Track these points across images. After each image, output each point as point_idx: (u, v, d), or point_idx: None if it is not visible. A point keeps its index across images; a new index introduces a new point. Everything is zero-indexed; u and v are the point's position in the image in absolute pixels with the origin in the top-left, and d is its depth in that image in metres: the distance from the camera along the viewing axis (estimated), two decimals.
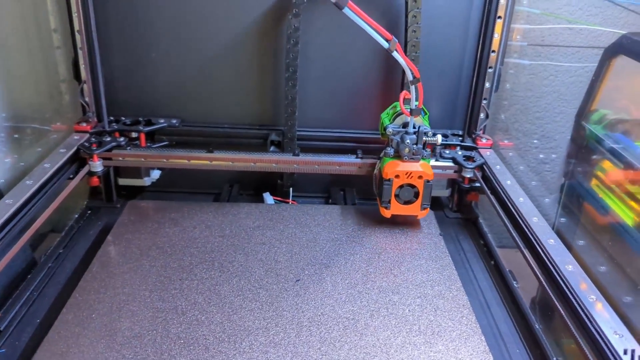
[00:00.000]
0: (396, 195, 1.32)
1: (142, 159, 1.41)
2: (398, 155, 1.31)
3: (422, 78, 1.47)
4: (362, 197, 1.63)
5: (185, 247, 1.23)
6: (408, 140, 1.28)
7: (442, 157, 1.48)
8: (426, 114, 1.41)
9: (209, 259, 1.20)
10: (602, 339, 0.84)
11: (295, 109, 1.46)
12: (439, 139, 1.33)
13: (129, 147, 1.42)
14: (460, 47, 1.49)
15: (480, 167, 1.44)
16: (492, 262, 1.36)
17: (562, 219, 1.22)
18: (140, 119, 1.52)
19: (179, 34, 1.46)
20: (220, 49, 1.47)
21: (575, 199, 1.20)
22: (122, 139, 1.44)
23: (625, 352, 0.80)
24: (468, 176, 1.45)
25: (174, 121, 1.53)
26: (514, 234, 1.19)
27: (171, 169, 1.56)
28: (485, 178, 1.41)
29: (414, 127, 1.30)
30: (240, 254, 1.22)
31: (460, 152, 1.49)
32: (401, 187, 1.31)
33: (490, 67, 1.47)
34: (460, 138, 1.55)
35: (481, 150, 1.50)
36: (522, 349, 1.09)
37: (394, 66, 1.49)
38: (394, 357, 0.95)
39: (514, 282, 1.28)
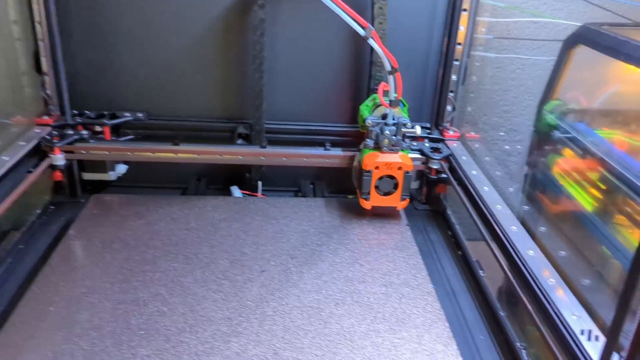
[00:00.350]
0: (376, 187, 1.32)
1: (106, 152, 1.39)
2: (377, 147, 1.32)
3: (386, 73, 1.48)
4: (332, 191, 1.63)
5: (149, 239, 1.22)
6: (387, 132, 1.29)
7: (411, 150, 1.48)
8: (405, 106, 1.42)
9: (173, 251, 1.18)
10: (560, 320, 0.85)
11: (263, 101, 1.45)
12: (418, 130, 1.35)
13: (92, 141, 1.39)
14: (426, 39, 1.50)
15: (447, 159, 1.45)
16: (460, 253, 1.37)
17: (525, 207, 1.23)
18: (105, 112, 1.50)
19: (144, 26, 1.44)
20: (187, 41, 1.46)
21: (538, 188, 1.21)
22: (85, 132, 1.41)
23: (582, 333, 0.81)
24: (435, 167, 1.46)
25: (140, 115, 1.51)
26: (478, 222, 1.20)
27: (137, 163, 1.54)
28: (452, 169, 1.42)
29: (393, 119, 1.31)
30: (206, 246, 1.21)
31: (427, 144, 1.50)
32: (381, 178, 1.32)
33: (456, 60, 1.48)
34: (427, 130, 1.55)
35: (448, 142, 1.51)
36: (486, 335, 1.09)
37: (363, 58, 1.50)
38: (358, 344, 0.95)
39: (481, 271, 1.29)
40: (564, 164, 1.11)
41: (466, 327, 1.11)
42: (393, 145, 1.30)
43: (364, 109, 1.42)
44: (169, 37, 1.45)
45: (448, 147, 1.47)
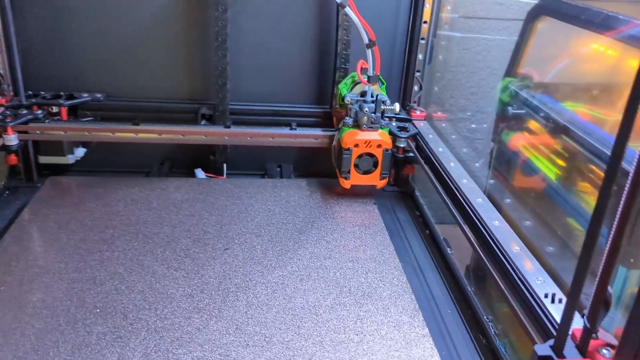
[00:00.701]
0: (355, 166, 1.31)
1: (62, 133, 1.33)
2: (357, 125, 1.30)
3: (355, 51, 1.46)
4: (299, 174, 1.60)
5: (107, 220, 1.17)
6: (366, 109, 1.28)
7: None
8: (384, 84, 1.41)
9: (133, 231, 1.14)
10: (524, 285, 0.84)
11: (227, 80, 1.42)
12: (397, 107, 1.34)
13: (47, 121, 1.34)
14: (392, 18, 1.49)
15: (414, 137, 1.43)
16: (427, 232, 1.36)
17: (492, 181, 1.23)
18: (62, 93, 1.44)
19: (101, 2, 1.39)
20: (147, 17, 1.41)
21: (503, 161, 1.21)
22: (40, 112, 1.36)
23: (546, 296, 0.81)
24: (402, 146, 1.44)
25: (99, 95, 1.45)
26: (445, 196, 1.19)
27: (97, 147, 1.49)
28: (419, 148, 1.41)
29: (372, 96, 1.29)
30: (167, 225, 1.17)
31: (394, 124, 1.49)
32: (360, 156, 1.30)
33: (422, 39, 1.47)
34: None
35: (415, 122, 1.50)
36: (453, 309, 1.08)
37: (329, 36, 1.47)
38: (323, 318, 0.93)
39: (448, 249, 1.28)
40: (529, 136, 1.11)
41: (433, 302, 1.09)
42: (372, 123, 1.29)
43: (343, 86, 1.40)
44: (128, 13, 1.40)
45: (415, 127, 1.46)
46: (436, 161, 1.29)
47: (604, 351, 0.62)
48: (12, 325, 0.86)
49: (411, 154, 1.44)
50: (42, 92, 1.43)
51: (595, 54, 1.01)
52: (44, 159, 1.45)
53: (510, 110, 1.17)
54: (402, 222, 1.38)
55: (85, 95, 1.44)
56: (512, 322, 1.08)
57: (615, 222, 0.55)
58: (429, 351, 0.88)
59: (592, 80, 1.02)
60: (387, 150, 1.30)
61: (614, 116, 0.95)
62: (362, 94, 1.31)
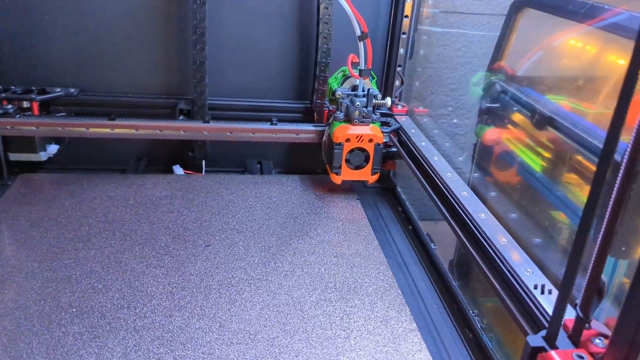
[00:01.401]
0: (347, 161, 1.29)
1: (34, 128, 1.28)
2: (348, 120, 1.29)
3: (335, 46, 1.45)
4: (280, 170, 1.58)
5: (82, 217, 1.13)
6: (358, 103, 1.26)
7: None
8: (374, 78, 1.40)
9: (109, 228, 1.10)
10: (513, 276, 0.83)
11: (205, 74, 1.38)
12: (389, 101, 1.34)
13: (18, 116, 1.29)
14: (373, 12, 1.47)
15: (396, 132, 1.42)
16: (410, 227, 1.35)
17: (476, 174, 1.22)
18: (33, 88, 1.39)
19: None
20: (123, 9, 1.37)
21: (487, 154, 1.21)
22: (10, 107, 1.30)
23: (535, 287, 0.80)
24: (384, 141, 1.43)
25: (72, 90, 1.40)
26: (429, 190, 1.18)
27: (71, 143, 1.44)
28: (402, 142, 1.40)
29: (363, 90, 1.28)
30: (145, 222, 1.13)
31: (375, 118, 1.47)
32: (351, 151, 1.28)
33: (403, 33, 1.46)
34: None
35: (397, 117, 1.49)
36: (439, 304, 1.07)
37: (310, 30, 1.45)
38: (308, 314, 0.91)
39: (432, 244, 1.27)
40: (514, 127, 1.11)
41: (419, 297, 1.08)
42: (364, 117, 1.27)
43: (333, 81, 1.39)
44: (103, 4, 1.36)
45: (397, 121, 1.45)
46: (419, 155, 1.28)
47: (597, 341, 0.61)
48: None
49: (394, 149, 1.43)
50: (13, 87, 1.38)
51: (580, 45, 1.01)
52: (14, 156, 1.39)
53: (501, 101, 1.17)
54: (385, 218, 1.37)
55: (58, 90, 1.39)
56: (497, 316, 1.07)
57: (609, 210, 0.54)
58: (417, 345, 0.86)
59: (578, 72, 1.02)
60: (378, 145, 1.29)
61: (597, 108, 0.95)
62: (353, 88, 1.29)
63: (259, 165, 1.56)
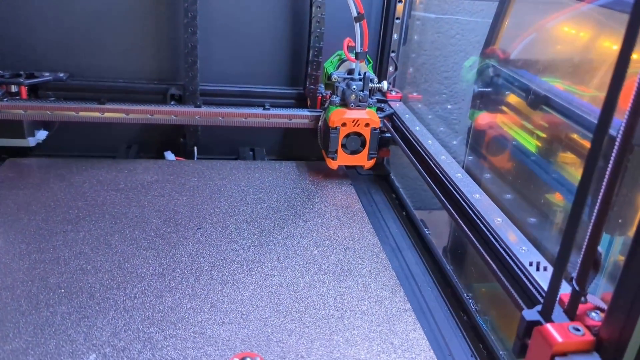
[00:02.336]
0: (343, 145, 1.27)
1: (22, 111, 1.26)
2: (344, 104, 1.26)
3: (328, 30, 1.43)
4: (273, 157, 1.56)
5: (72, 200, 1.11)
6: (354, 87, 1.24)
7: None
8: (370, 62, 1.38)
9: (99, 211, 1.08)
10: (508, 254, 0.82)
11: (196, 58, 1.37)
12: (385, 85, 1.32)
13: (6, 99, 1.26)
14: None
15: (390, 118, 1.41)
16: (404, 213, 1.34)
17: (470, 157, 1.21)
18: (22, 72, 1.36)
19: None
20: None
21: (481, 136, 1.20)
22: None
23: (530, 264, 0.79)
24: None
25: (61, 75, 1.38)
26: (424, 173, 1.17)
27: (60, 129, 1.42)
28: (396, 128, 1.38)
29: (360, 74, 1.26)
30: (135, 206, 1.11)
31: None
32: (347, 136, 1.26)
33: (397, 18, 1.45)
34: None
35: (391, 103, 1.48)
36: (433, 287, 1.06)
37: (303, 16, 1.44)
38: (301, 294, 0.89)
39: (426, 229, 1.27)
40: (509, 108, 1.10)
41: (412, 280, 1.07)
42: (360, 101, 1.25)
43: (329, 65, 1.37)
44: None
45: (391, 107, 1.44)
46: (413, 139, 1.27)
47: (593, 314, 0.60)
48: None
49: (387, 135, 1.42)
50: (1, 71, 1.36)
51: (574, 27, 1.00)
52: (1, 142, 1.37)
53: (495, 82, 1.16)
54: (378, 204, 1.36)
55: (47, 74, 1.37)
56: (492, 301, 1.06)
57: (605, 181, 0.53)
58: (412, 325, 0.85)
59: (572, 54, 1.01)
60: (375, 129, 1.27)
61: (591, 91, 0.95)
62: (349, 72, 1.28)
63: (251, 152, 1.55)
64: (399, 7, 1.44)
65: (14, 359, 0.71)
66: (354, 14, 1.20)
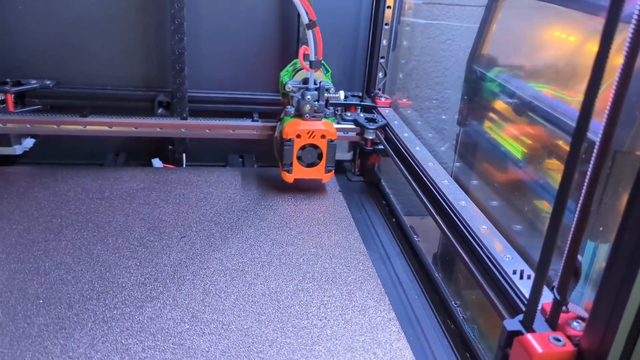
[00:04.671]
0: (298, 158, 1.22)
1: (0, 125, 1.24)
2: (299, 114, 1.21)
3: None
4: (263, 164, 1.55)
5: (55, 209, 1.10)
6: (309, 97, 1.19)
7: (344, 120, 1.41)
8: (328, 71, 1.35)
9: (82, 220, 1.07)
10: (491, 262, 0.81)
11: (184, 65, 1.36)
12: (342, 95, 1.27)
13: None
14: (355, 3, 1.46)
15: (383, 129, 1.39)
16: (394, 220, 1.33)
17: (458, 164, 1.20)
18: (8, 80, 1.36)
19: None
20: None
21: (470, 142, 1.19)
22: None
23: (514, 272, 0.78)
24: (370, 138, 1.39)
25: (48, 82, 1.37)
26: (411, 180, 1.16)
27: (47, 137, 1.41)
28: (388, 139, 1.36)
29: (315, 83, 1.22)
30: (120, 214, 1.10)
31: (362, 115, 1.44)
32: (303, 148, 1.21)
33: (386, 24, 1.44)
34: (359, 99, 1.51)
35: (380, 109, 1.47)
36: (420, 294, 1.05)
37: (291, 22, 1.43)
38: (284, 304, 0.88)
39: (416, 236, 1.25)
40: (496, 115, 1.09)
41: (400, 287, 1.06)
42: (316, 112, 1.20)
43: (284, 74, 1.33)
44: None
45: (383, 117, 1.42)
46: (402, 146, 1.26)
47: (575, 324, 0.59)
48: None
49: (380, 146, 1.40)
50: None
51: (565, 30, 0.99)
52: None
53: (482, 89, 1.15)
54: (368, 211, 1.35)
55: (34, 82, 1.37)
56: (480, 309, 1.05)
57: (584, 189, 0.52)
58: (395, 335, 0.84)
59: (562, 59, 1.01)
60: (332, 141, 1.22)
61: (580, 96, 0.94)
62: (304, 81, 1.22)
63: (241, 159, 1.54)
64: (388, 12, 1.43)
65: None
66: (305, 21, 1.16)
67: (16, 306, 0.83)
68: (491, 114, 1.12)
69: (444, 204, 1.00)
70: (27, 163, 1.42)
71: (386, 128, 1.39)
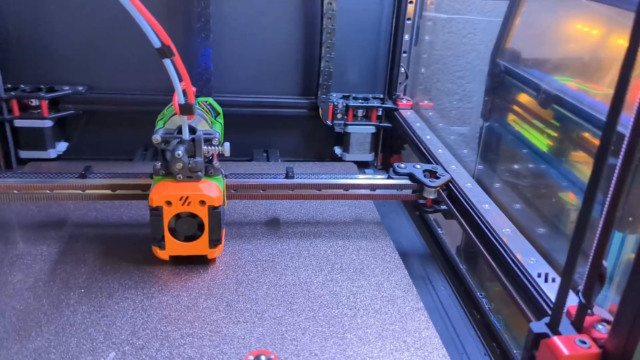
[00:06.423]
0: (172, 230, 0.93)
1: None
2: (171, 174, 0.92)
3: (339, 41, 1.42)
4: (287, 159, 1.58)
5: (90, 202, 1.14)
6: (179, 152, 0.89)
7: (397, 174, 1.13)
8: (219, 113, 1.11)
9: (117, 213, 1.11)
10: (516, 265, 0.83)
11: (211, 76, 1.40)
12: (227, 148, 0.93)
13: None
14: (376, 1, 1.47)
15: (447, 185, 1.12)
16: (417, 213, 1.34)
17: (480, 166, 1.22)
18: (42, 86, 1.40)
19: None
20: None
21: (493, 138, 1.20)
22: None
23: (539, 275, 0.79)
24: (431, 197, 1.12)
25: (80, 88, 1.41)
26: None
27: (79, 137, 1.47)
28: (452, 198, 1.10)
29: (192, 134, 0.91)
30: None
31: (419, 167, 1.14)
32: (178, 217, 0.92)
33: (408, 19, 1.46)
34: (381, 101, 1.52)
35: (402, 111, 1.49)
36: (447, 286, 1.07)
37: (314, 27, 1.44)
38: (315, 294, 0.91)
39: (439, 229, 1.27)
40: (521, 108, 1.10)
41: (426, 278, 1.08)
42: (192, 171, 0.91)
43: (160, 119, 1.03)
44: (110, 1, 1.36)
45: (446, 170, 1.15)
46: (424, 148, 1.27)
47: (600, 326, 0.60)
48: None
49: (443, 207, 1.13)
50: (22, 85, 1.39)
51: (590, 22, 1.00)
52: (24, 154, 1.41)
53: (507, 83, 1.16)
54: (391, 204, 1.37)
55: (67, 88, 1.41)
56: (505, 300, 1.07)
57: (610, 195, 0.53)
58: (424, 324, 0.86)
59: (586, 52, 1.02)
60: (214, 208, 0.91)
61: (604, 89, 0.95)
62: (179, 130, 0.91)
63: (265, 154, 1.56)
64: (410, 7, 1.45)
65: (37, 357, 0.74)
66: (156, 44, 0.82)
67: (59, 295, 0.86)
68: (516, 107, 1.13)
69: (467, 206, 1.02)
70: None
71: (450, 184, 1.12)
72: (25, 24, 1.36)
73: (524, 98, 1.10)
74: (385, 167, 1.58)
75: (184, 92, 0.85)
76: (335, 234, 1.09)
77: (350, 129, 1.51)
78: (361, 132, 1.52)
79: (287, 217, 1.15)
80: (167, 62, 0.82)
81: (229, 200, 1.07)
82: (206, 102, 1.09)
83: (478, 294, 1.04)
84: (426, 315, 0.88)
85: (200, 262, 0.97)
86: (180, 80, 0.83)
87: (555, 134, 0.99)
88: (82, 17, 1.38)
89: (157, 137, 0.90)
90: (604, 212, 0.54)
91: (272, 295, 0.89)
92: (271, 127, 1.56)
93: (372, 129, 1.53)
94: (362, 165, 1.57)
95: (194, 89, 0.88)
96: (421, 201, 1.14)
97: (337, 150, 1.57)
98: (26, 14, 1.35)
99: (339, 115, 1.49)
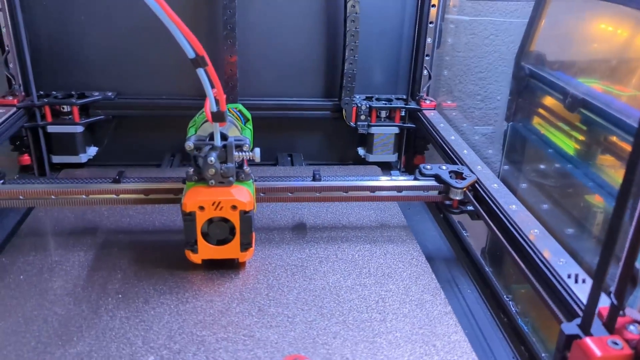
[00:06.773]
0: (205, 234, 0.96)
1: (21, 197, 1.04)
2: (204, 179, 0.95)
3: (363, 43, 1.44)
4: (311, 162, 1.60)
5: (123, 208, 1.17)
6: (212, 159, 0.92)
7: (422, 175, 1.14)
8: (248, 119, 1.14)
9: (149, 219, 1.14)
10: (545, 266, 0.83)
11: (236, 82, 1.42)
12: (257, 154, 0.95)
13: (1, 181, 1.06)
14: (400, 2, 1.48)
15: (473, 186, 1.12)
16: (441, 216, 1.35)
17: (506, 167, 1.22)
18: (73, 92, 1.44)
19: None
20: (153, 13, 1.40)
21: (518, 140, 1.21)
22: None
23: (569, 276, 0.80)
24: (457, 198, 1.12)
25: (110, 94, 1.45)
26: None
27: (108, 142, 1.50)
28: (479, 199, 1.10)
29: (224, 140, 0.94)
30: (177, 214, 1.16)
31: (444, 168, 1.15)
32: (210, 222, 0.95)
33: (431, 22, 1.47)
34: (404, 102, 1.53)
35: (425, 112, 1.50)
36: (473, 288, 1.08)
37: (338, 30, 1.46)
38: (344, 298, 0.93)
39: (464, 231, 1.28)
40: (546, 110, 1.11)
41: (453, 282, 1.09)
42: (224, 177, 0.94)
43: (191, 125, 1.07)
44: (137, 9, 1.39)
45: (472, 171, 1.15)
46: (449, 149, 1.28)
47: (632, 327, 0.61)
48: (34, 312, 0.86)
49: (469, 207, 1.13)
50: (54, 92, 1.43)
51: (615, 25, 1.00)
52: (56, 158, 1.45)
53: (531, 85, 1.16)
54: (416, 208, 1.38)
55: (97, 94, 1.45)
56: (531, 302, 1.07)
57: None
58: (453, 327, 0.87)
59: (612, 54, 1.01)
60: (245, 212, 0.94)
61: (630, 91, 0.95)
62: (211, 137, 0.94)
63: (289, 158, 1.59)
64: (433, 11, 1.46)
65: None
66: (190, 55, 0.82)
67: (98, 301, 0.89)
68: (541, 110, 1.14)
69: (494, 207, 1.02)
70: (91, 165, 1.51)
71: (476, 185, 1.12)
72: (56, 34, 1.40)
73: (549, 101, 1.10)
74: (408, 167, 1.59)
75: (216, 100, 0.87)
76: (362, 238, 1.11)
77: (373, 130, 1.53)
78: (385, 132, 1.54)
79: (314, 221, 1.17)
80: (200, 71, 0.83)
81: (257, 204, 1.09)
82: (236, 108, 1.12)
83: (505, 296, 1.05)
84: (454, 319, 0.89)
85: (232, 266, 0.99)
86: (212, 87, 0.85)
87: (582, 137, 0.99)
88: (110, 26, 1.41)
89: (189, 144, 0.93)
90: (636, 214, 0.54)
91: (302, 300, 0.92)
92: (294, 129, 1.58)
93: (396, 130, 1.54)
94: (385, 166, 1.59)
95: (224, 96, 0.90)
96: (447, 202, 1.14)
97: (361, 151, 1.59)
98: (57, 25, 1.40)
99: (363, 117, 1.51)
